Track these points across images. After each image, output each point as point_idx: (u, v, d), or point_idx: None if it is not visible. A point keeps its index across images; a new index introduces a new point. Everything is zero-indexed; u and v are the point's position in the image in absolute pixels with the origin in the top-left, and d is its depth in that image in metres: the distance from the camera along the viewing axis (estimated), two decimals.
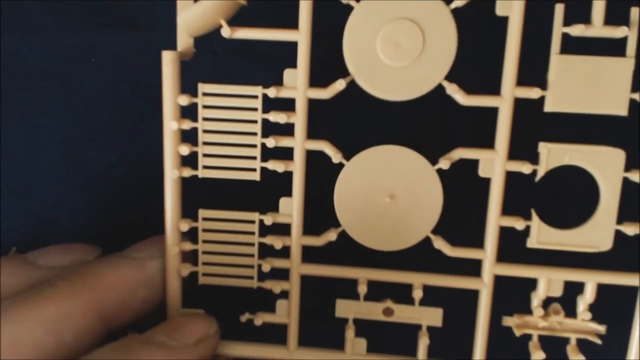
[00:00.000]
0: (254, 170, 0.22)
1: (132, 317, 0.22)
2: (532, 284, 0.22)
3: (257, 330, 0.23)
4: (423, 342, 0.23)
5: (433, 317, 0.23)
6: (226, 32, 0.21)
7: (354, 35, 0.21)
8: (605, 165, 0.21)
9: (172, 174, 0.22)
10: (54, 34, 0.26)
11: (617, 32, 0.20)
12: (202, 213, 0.23)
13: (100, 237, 0.25)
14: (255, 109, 0.22)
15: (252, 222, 0.23)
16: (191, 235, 0.23)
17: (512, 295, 0.22)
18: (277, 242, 0.23)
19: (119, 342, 0.20)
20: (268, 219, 0.22)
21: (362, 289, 0.23)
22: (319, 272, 0.23)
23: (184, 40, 0.22)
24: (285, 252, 0.23)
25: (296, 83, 0.21)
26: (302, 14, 0.21)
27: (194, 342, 0.21)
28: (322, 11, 0.21)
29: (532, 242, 0.22)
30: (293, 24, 0.21)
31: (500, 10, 0.20)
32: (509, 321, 0.23)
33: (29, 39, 0.26)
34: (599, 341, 0.22)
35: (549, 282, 0.22)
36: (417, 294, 0.22)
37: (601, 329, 0.22)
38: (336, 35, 0.21)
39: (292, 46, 0.21)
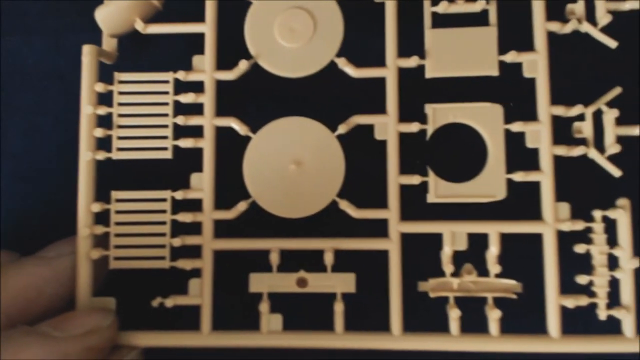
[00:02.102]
0: (166, 149, 0.23)
1: (42, 313, 0.22)
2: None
3: (175, 318, 0.23)
4: (339, 310, 0.22)
5: (346, 283, 0.23)
6: (140, 26, 0.24)
7: (254, 23, 0.24)
8: (486, 119, 0.23)
9: (85, 156, 0.23)
10: (54, 34, 0.27)
11: (476, 6, 0.23)
12: (115, 194, 0.23)
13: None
14: (167, 93, 0.24)
15: (165, 200, 0.23)
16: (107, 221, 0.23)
17: (426, 263, 0.23)
18: (188, 217, 0.23)
19: (4, 332, 0.20)
20: (179, 195, 0.23)
21: (275, 259, 0.23)
22: (231, 246, 0.23)
23: (107, 40, 0.24)
24: (198, 231, 0.23)
25: (204, 67, 0.24)
26: (208, 8, 0.24)
27: (81, 333, 0.21)
28: (224, 6, 0.24)
29: (431, 197, 0.23)
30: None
31: None
32: (424, 286, 0.23)
33: (29, 39, 0.27)
34: (514, 296, 0.22)
35: (453, 235, 0.23)
36: (329, 258, 0.22)
37: (516, 285, 0.22)
38: (237, 25, 0.24)
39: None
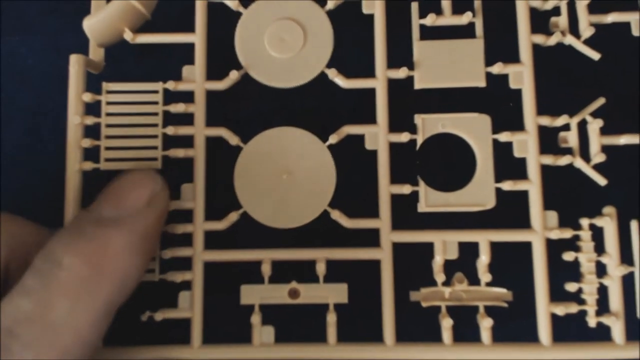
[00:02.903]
0: (156, 159, 0.23)
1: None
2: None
3: (164, 332, 0.22)
4: (331, 321, 0.22)
5: (339, 293, 0.22)
6: (129, 36, 0.24)
7: (244, 34, 0.24)
8: (474, 130, 0.23)
9: (73, 167, 0.23)
10: (54, 34, 0.27)
11: (463, 18, 0.24)
12: None
13: None
14: (156, 103, 0.23)
15: None
16: None
17: (417, 272, 0.23)
18: (178, 229, 0.23)
19: (71, 227, 0.20)
20: (169, 206, 0.23)
21: (266, 270, 0.22)
22: (222, 257, 0.23)
23: (95, 50, 0.24)
24: (189, 242, 0.23)
25: (194, 77, 0.23)
26: (198, 19, 0.24)
27: (144, 204, 0.20)
28: (215, 17, 0.24)
29: (422, 207, 0.23)
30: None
31: (366, 9, 0.24)
32: (416, 296, 0.23)
33: (29, 39, 0.27)
34: (505, 305, 0.23)
35: (444, 244, 0.23)
36: (321, 269, 0.22)
37: (507, 294, 0.23)
38: (228, 36, 0.24)
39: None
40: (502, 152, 0.23)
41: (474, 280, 0.23)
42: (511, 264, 0.22)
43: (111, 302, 0.19)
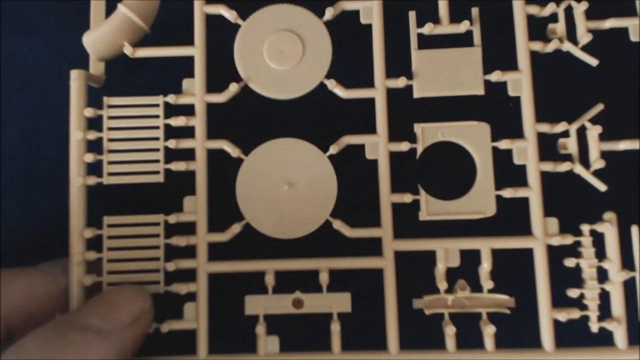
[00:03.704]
0: (158, 173, 0.23)
1: (36, 326, 0.21)
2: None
3: (170, 343, 0.22)
4: (335, 330, 0.22)
5: (342, 302, 0.23)
6: (128, 50, 0.24)
7: (243, 46, 0.24)
8: (474, 138, 0.23)
9: (76, 182, 0.23)
10: (54, 34, 0.27)
11: (461, 27, 0.24)
12: (107, 220, 0.23)
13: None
14: (157, 116, 0.24)
15: (157, 224, 0.23)
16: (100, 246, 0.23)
17: (420, 280, 0.23)
18: (181, 241, 0.23)
19: (50, 328, 0.20)
20: (172, 218, 0.23)
21: (270, 280, 0.23)
22: (226, 268, 0.23)
23: (95, 64, 0.24)
24: (192, 254, 0.23)
25: (194, 90, 0.24)
26: (197, 32, 0.24)
27: (131, 322, 0.21)
28: (213, 29, 0.24)
29: (423, 215, 0.23)
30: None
31: (364, 19, 0.24)
32: (419, 303, 0.23)
33: (29, 39, 0.27)
34: (507, 311, 0.23)
35: (446, 252, 0.23)
36: (324, 278, 0.23)
37: (509, 300, 0.23)
38: (227, 48, 0.24)
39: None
40: (502, 159, 0.23)
41: (476, 287, 0.23)
42: (513, 271, 0.22)
43: None
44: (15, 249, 0.25)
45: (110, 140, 0.23)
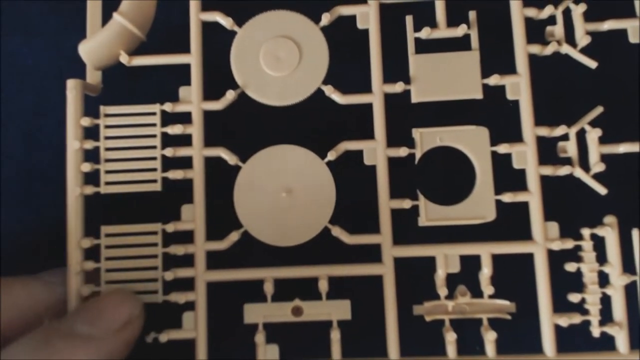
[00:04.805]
0: (155, 181, 0.23)
1: None
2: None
3: (169, 352, 0.22)
4: (335, 338, 0.22)
5: (342, 310, 0.23)
6: (125, 59, 0.24)
7: (240, 53, 0.24)
8: (472, 142, 0.23)
9: (74, 191, 0.23)
10: (54, 34, 0.27)
11: (458, 31, 0.24)
12: (105, 229, 0.23)
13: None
14: (154, 125, 0.23)
15: (155, 233, 0.23)
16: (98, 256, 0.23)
17: (420, 286, 0.23)
18: (180, 250, 0.23)
19: (37, 335, 0.19)
20: (170, 227, 0.23)
21: (269, 288, 0.23)
22: (224, 277, 0.23)
23: (92, 73, 0.24)
24: (190, 263, 0.23)
25: (191, 98, 0.24)
26: (193, 39, 0.24)
27: (119, 327, 0.20)
28: (210, 36, 0.24)
29: (422, 221, 0.23)
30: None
31: (361, 24, 0.24)
32: (419, 310, 0.23)
33: (29, 39, 0.27)
34: (508, 317, 0.23)
35: (445, 258, 0.23)
36: (323, 286, 0.22)
37: (510, 305, 0.23)
38: (223, 55, 0.24)
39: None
40: (501, 163, 0.23)
41: (476, 292, 0.23)
42: (513, 276, 0.22)
43: None
44: (15, 249, 0.25)
45: (108, 149, 0.23)
